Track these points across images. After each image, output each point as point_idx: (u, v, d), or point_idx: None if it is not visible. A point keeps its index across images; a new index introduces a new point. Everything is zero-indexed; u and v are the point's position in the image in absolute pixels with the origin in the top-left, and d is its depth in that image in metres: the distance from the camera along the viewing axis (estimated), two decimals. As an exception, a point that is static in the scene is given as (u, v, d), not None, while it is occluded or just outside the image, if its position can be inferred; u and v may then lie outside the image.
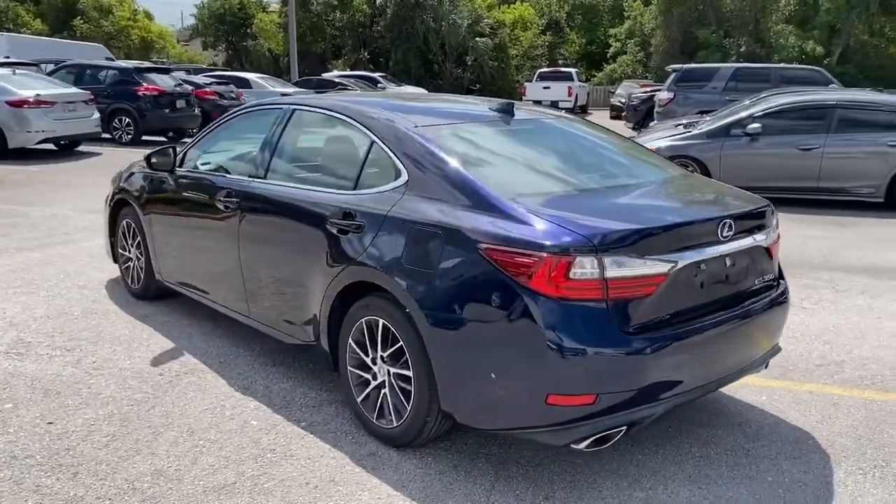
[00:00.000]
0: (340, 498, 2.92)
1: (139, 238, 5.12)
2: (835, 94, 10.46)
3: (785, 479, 3.11)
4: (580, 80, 32.20)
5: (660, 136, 10.36)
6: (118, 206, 5.38)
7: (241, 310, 4.20)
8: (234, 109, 4.66)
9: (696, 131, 10.00)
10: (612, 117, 27.01)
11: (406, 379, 3.15)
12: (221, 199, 4.14)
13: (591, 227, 2.75)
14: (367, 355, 3.34)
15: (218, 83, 19.11)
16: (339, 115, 3.78)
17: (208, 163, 4.64)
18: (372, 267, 3.20)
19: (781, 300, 3.36)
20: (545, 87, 29.56)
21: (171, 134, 16.82)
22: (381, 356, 3.26)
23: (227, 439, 3.37)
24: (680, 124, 11.00)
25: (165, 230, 4.80)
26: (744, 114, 9.81)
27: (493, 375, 2.80)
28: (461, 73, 38.13)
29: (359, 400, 3.42)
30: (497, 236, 2.79)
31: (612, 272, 2.68)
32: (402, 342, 3.12)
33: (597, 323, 2.69)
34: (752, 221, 3.23)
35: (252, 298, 4.06)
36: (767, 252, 3.33)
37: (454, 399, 2.97)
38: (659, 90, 17.20)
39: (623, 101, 25.59)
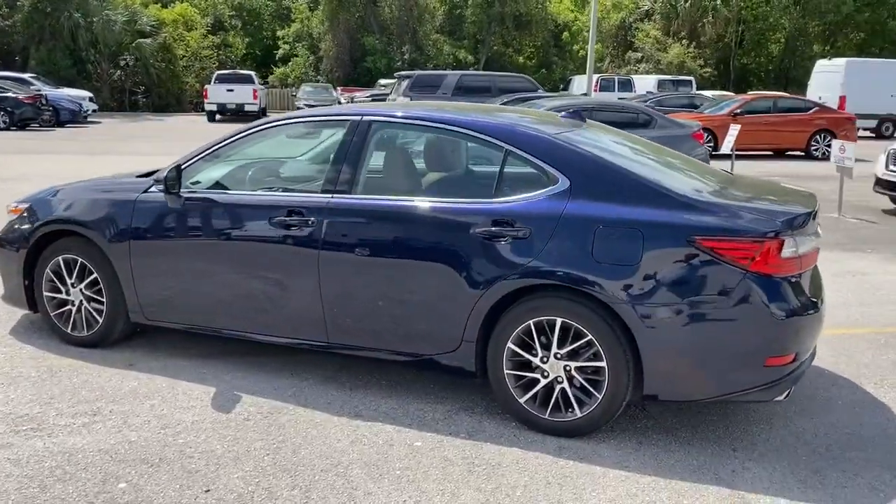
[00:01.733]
0: (593, 488, 3.07)
1: (95, 275, 4.33)
2: (592, 98, 12.27)
3: (847, 401, 3.99)
4: (259, 83, 31.86)
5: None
6: (43, 241, 4.45)
7: (314, 336, 3.89)
8: (247, 127, 4.17)
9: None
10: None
11: (591, 370, 3.37)
12: (282, 218, 3.80)
13: (784, 214, 3.30)
14: (535, 355, 3.46)
15: None
16: (449, 127, 3.77)
17: (225, 181, 4.16)
18: (551, 269, 3.34)
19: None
20: (229, 90, 28.61)
21: None
22: (556, 353, 3.42)
23: (414, 465, 3.24)
24: None
25: (163, 262, 4.15)
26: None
27: (715, 351, 3.21)
28: (120, 74, 34.99)
29: (522, 401, 3.52)
30: (713, 227, 3.18)
31: (802, 249, 3.27)
32: (590, 336, 3.33)
33: (798, 292, 3.26)
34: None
35: (337, 323, 3.80)
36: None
37: (664, 381, 3.30)
38: (380, 94, 18.05)
39: (305, 104, 27.61)
